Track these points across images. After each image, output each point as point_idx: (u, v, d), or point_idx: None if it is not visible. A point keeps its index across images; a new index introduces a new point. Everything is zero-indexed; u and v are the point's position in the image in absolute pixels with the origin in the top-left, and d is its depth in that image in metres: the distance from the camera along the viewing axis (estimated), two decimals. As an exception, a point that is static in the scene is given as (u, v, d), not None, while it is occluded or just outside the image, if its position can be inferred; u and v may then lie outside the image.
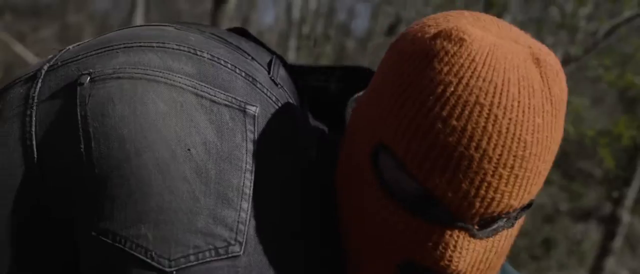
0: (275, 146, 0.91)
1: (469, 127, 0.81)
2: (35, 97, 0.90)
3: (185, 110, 0.86)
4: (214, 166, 0.85)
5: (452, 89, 0.82)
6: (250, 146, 0.88)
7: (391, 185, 0.88)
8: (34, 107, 0.89)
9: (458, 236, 0.85)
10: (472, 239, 0.86)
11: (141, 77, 0.88)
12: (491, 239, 0.88)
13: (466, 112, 0.81)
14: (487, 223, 0.87)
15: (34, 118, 0.88)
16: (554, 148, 0.87)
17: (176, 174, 0.84)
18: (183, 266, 0.83)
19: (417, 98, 0.83)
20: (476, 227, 0.86)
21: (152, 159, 0.84)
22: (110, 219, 0.83)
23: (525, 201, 0.86)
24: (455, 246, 0.85)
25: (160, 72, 0.88)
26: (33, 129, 0.88)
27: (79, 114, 0.86)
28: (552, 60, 0.87)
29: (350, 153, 0.94)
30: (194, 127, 0.86)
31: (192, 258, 0.83)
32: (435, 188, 0.83)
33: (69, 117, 0.87)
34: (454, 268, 0.86)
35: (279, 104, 0.95)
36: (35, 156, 0.87)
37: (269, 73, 0.98)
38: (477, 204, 0.83)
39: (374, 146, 0.88)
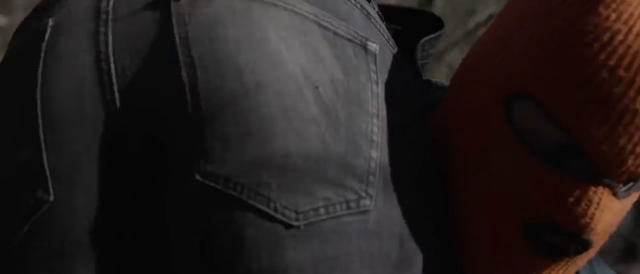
0: (396, 88, 0.80)
1: (638, 79, 0.76)
2: (110, 13, 0.76)
3: (310, 42, 0.75)
4: (342, 108, 0.74)
5: (621, 37, 0.76)
6: (375, 88, 0.77)
7: (528, 136, 0.80)
8: (110, 24, 0.75)
9: (602, 194, 0.79)
10: (613, 198, 0.80)
11: None
12: (624, 200, 0.82)
13: (636, 63, 0.76)
14: (629, 181, 0.81)
15: (111, 38, 0.75)
16: None
17: (304, 115, 0.72)
18: (312, 220, 0.72)
19: (577, 44, 0.77)
20: (620, 185, 0.80)
21: (275, 96, 0.72)
22: (221, 162, 0.71)
23: None
24: (598, 204, 0.79)
25: None
26: (109, 50, 0.75)
27: (177, 36, 0.73)
28: None
29: (469, 99, 0.85)
30: (320, 61, 0.74)
31: (322, 211, 0.72)
32: (589, 141, 0.77)
33: (161, 39, 0.74)
34: (593, 226, 0.80)
35: (391, 43, 0.85)
36: (114, 82, 0.74)
37: (373, 7, 0.87)
38: (630, 162, 0.78)
39: (509, 92, 0.81)
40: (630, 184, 0.81)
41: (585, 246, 0.82)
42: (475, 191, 0.84)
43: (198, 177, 0.72)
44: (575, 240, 0.81)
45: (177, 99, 0.72)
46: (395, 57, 0.84)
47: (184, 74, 0.72)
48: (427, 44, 0.98)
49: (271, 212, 0.71)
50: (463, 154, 0.85)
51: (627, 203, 0.84)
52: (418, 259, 0.79)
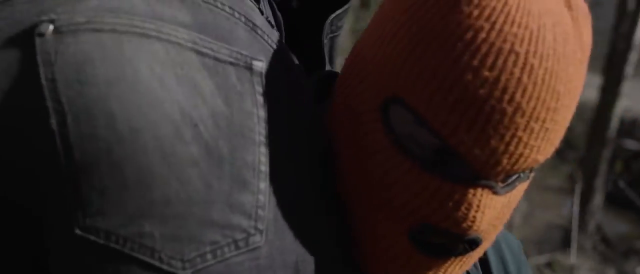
0: (284, 106, 0.76)
1: (503, 78, 0.73)
2: None
3: (187, 74, 0.70)
4: (225, 143, 0.70)
5: (483, 35, 0.73)
6: (262, 112, 0.73)
7: (405, 142, 0.79)
8: None
9: (481, 195, 0.78)
10: (494, 196, 0.79)
11: (127, 30, 0.69)
12: (509, 193, 0.82)
13: (500, 61, 0.73)
14: (509, 177, 0.80)
15: None
16: (579, 96, 0.81)
17: (184, 157, 0.68)
18: (200, 266, 0.69)
19: (442, 45, 0.74)
20: (500, 184, 0.79)
21: (152, 141, 0.67)
22: (101, 215, 0.67)
23: (549, 155, 0.80)
24: (478, 206, 0.78)
25: (151, 23, 0.70)
26: None
27: (43, 77, 0.67)
28: (582, 3, 0.80)
29: (349, 105, 0.83)
30: (199, 95, 0.70)
31: (209, 256, 0.69)
32: (461, 145, 0.76)
33: (28, 80, 0.68)
34: (475, 228, 0.79)
35: (279, 52, 0.80)
36: None
37: (261, 12, 0.82)
38: (505, 161, 0.76)
39: (384, 98, 0.79)
40: (511, 178, 0.80)
41: (473, 245, 0.81)
42: (359, 198, 0.83)
43: (78, 231, 0.68)
44: (461, 241, 0.80)
45: (48, 149, 0.67)
46: (286, 68, 0.79)
47: (53, 121, 0.67)
48: (335, 20, 0.95)
49: (157, 263, 0.68)
50: (345, 160, 0.83)
51: (515, 195, 0.83)
52: None
